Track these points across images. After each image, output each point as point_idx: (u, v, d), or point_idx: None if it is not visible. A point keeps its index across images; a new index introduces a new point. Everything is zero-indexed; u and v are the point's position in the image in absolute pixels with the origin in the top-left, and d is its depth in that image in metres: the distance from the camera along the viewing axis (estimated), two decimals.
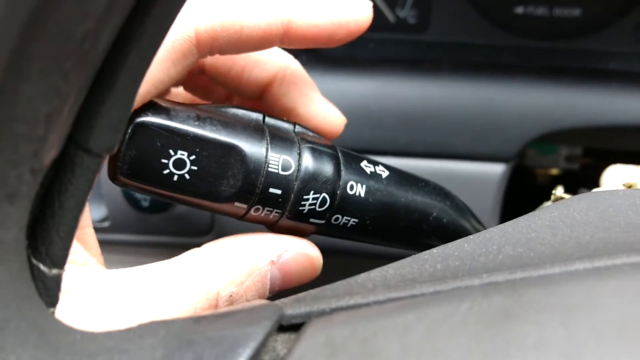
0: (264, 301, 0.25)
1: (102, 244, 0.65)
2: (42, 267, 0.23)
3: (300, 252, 0.36)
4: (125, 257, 0.65)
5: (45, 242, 0.22)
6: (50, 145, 0.19)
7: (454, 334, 0.20)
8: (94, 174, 0.22)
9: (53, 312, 0.23)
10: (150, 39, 0.20)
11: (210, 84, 0.42)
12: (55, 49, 0.17)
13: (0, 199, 0.19)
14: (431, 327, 0.21)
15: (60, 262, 0.23)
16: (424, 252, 0.28)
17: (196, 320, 0.23)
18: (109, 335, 0.23)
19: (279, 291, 0.36)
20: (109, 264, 0.67)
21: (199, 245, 0.62)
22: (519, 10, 0.63)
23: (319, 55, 0.63)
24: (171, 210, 0.60)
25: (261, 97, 0.41)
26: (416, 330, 0.21)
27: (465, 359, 0.20)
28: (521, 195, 0.65)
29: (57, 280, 0.23)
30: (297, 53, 0.60)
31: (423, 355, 0.20)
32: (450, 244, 0.29)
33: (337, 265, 0.44)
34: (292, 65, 0.41)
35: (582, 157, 0.65)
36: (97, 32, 0.18)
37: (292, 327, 0.24)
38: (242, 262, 0.34)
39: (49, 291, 0.23)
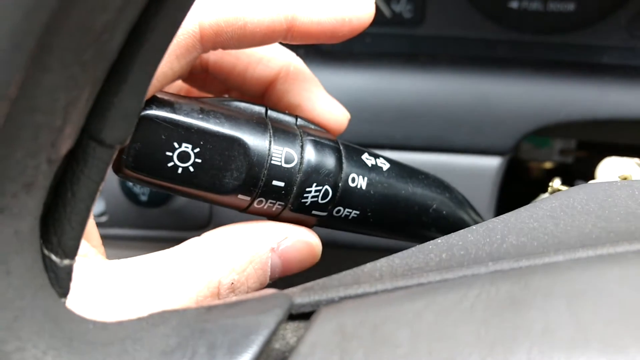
0: (274, 290, 0.25)
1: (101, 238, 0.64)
2: (54, 257, 0.23)
3: (299, 240, 0.36)
4: (123, 252, 0.65)
5: (58, 232, 0.23)
6: (67, 136, 0.20)
7: (463, 320, 0.21)
8: (106, 165, 0.22)
9: (64, 302, 0.24)
10: (163, 30, 0.20)
11: (209, 77, 0.43)
12: (76, 41, 0.17)
13: (18, 189, 0.19)
14: (440, 313, 0.21)
15: (71, 252, 0.23)
16: (428, 243, 0.29)
17: (208, 309, 0.23)
18: (121, 324, 0.23)
19: (279, 278, 0.37)
20: (107, 258, 0.67)
21: None
22: (514, 4, 0.63)
23: (316, 49, 0.64)
24: (169, 204, 0.60)
25: (264, 95, 0.42)
26: (426, 316, 0.21)
27: (475, 344, 0.20)
28: (515, 188, 0.66)
29: (69, 270, 0.24)
30: (294, 47, 0.60)
31: (433, 341, 0.20)
32: (453, 234, 0.29)
33: (341, 258, 0.44)
34: (295, 62, 0.42)
35: (575, 150, 0.66)
36: (115, 24, 0.18)
37: (301, 315, 0.24)
38: (243, 250, 0.35)
39: (61, 281, 0.23)
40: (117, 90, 0.21)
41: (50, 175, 0.20)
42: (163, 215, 0.60)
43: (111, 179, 0.60)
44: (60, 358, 0.20)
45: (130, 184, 0.60)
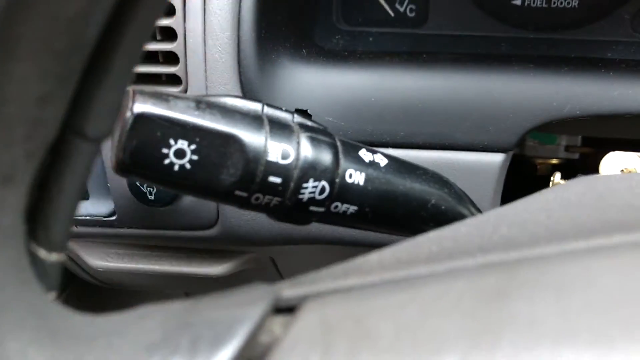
0: (260, 283, 0.25)
1: (110, 238, 0.65)
2: (41, 252, 0.23)
3: None
4: (132, 251, 0.66)
5: (45, 227, 0.23)
6: (45, 129, 0.20)
7: (447, 312, 0.21)
8: (91, 159, 0.22)
9: (51, 297, 0.24)
10: (144, 20, 0.20)
11: None
12: (45, 29, 0.17)
13: None
14: (425, 306, 0.21)
15: (59, 246, 0.23)
16: (419, 236, 0.29)
17: (193, 303, 0.23)
18: (106, 319, 0.23)
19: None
20: (117, 257, 0.68)
21: (203, 238, 0.62)
22: (517, 1, 0.63)
23: (319, 48, 0.64)
24: (177, 204, 0.60)
25: None
26: (410, 309, 0.21)
27: (459, 336, 0.20)
28: (522, 186, 0.65)
29: (57, 264, 0.24)
30: (297, 46, 0.60)
31: (417, 333, 0.20)
32: (446, 227, 0.29)
33: (337, 254, 0.44)
34: None
35: (581, 147, 0.65)
36: (88, 13, 0.18)
37: (289, 309, 0.24)
38: None
39: (49, 275, 0.23)
40: (99, 83, 0.21)
41: (30, 170, 0.20)
42: (171, 214, 0.61)
43: (119, 179, 0.60)
44: (43, 351, 0.20)
45: (138, 182, 0.60)
